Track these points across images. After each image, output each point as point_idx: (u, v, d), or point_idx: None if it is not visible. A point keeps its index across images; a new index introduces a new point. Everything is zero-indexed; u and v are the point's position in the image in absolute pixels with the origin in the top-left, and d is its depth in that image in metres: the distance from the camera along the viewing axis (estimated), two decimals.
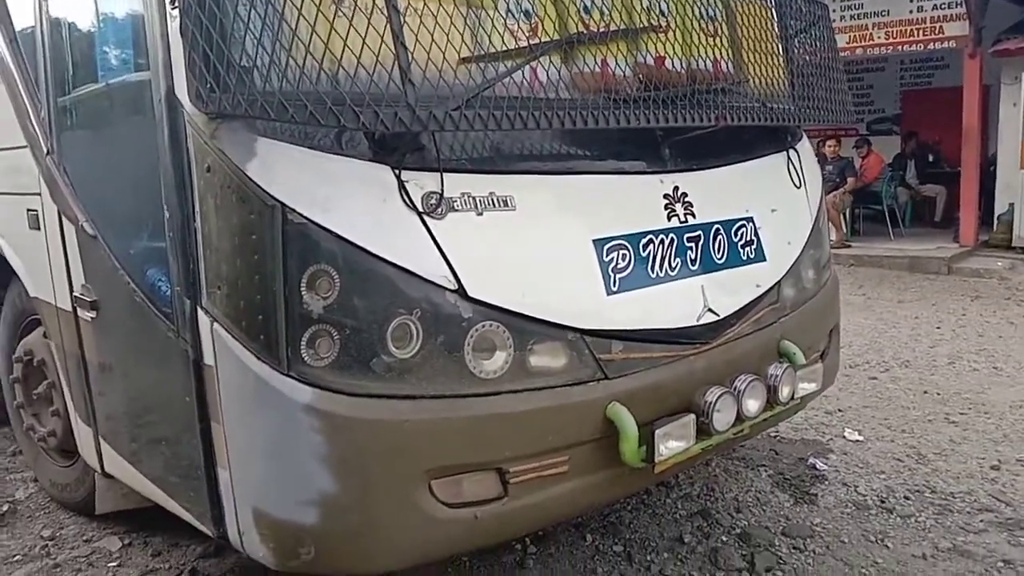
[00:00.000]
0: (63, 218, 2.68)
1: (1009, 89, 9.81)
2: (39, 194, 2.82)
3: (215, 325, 2.03)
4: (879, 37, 10.20)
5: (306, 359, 1.93)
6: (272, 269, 1.92)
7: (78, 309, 2.68)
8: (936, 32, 9.85)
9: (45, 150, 2.75)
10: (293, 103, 1.76)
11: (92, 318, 2.60)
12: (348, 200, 1.97)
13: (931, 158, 11.92)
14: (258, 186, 1.91)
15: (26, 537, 3.25)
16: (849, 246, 10.18)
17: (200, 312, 2.07)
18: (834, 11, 9.79)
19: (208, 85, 1.83)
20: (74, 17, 2.57)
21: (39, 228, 2.87)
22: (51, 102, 2.68)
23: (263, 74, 1.80)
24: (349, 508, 2.01)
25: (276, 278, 1.91)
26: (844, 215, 10.45)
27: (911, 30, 10.01)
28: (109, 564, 3.02)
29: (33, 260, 3.02)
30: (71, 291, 2.71)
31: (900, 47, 10.21)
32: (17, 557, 3.09)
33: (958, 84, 10.04)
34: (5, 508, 3.45)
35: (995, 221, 10.18)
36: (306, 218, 1.91)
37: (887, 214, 10.84)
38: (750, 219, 2.83)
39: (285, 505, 2.03)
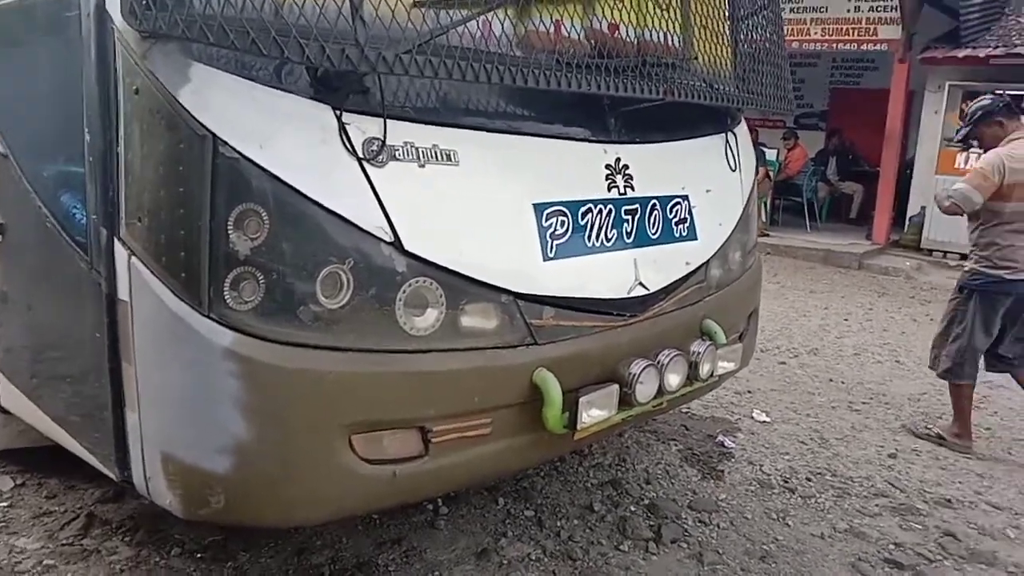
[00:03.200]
0: None
1: (933, 96, 10.17)
2: None
3: (133, 259, 1.91)
4: (815, 33, 10.43)
5: (228, 301, 1.84)
6: (198, 203, 1.82)
7: None
8: (870, 33, 10.12)
9: None
10: (235, 29, 1.66)
11: None
12: (285, 138, 1.88)
13: (852, 156, 12.32)
14: (189, 114, 1.80)
15: None
16: (768, 235, 10.45)
17: (117, 243, 1.95)
18: None
19: (143, 1, 1.70)
20: None
21: None
22: None
23: None
24: (264, 457, 1.94)
25: (202, 213, 1.81)
26: (764, 204, 10.71)
27: (847, 29, 10.26)
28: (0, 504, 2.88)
29: None
30: None
31: (835, 45, 10.46)
32: None
33: (885, 86, 10.37)
34: None
35: (907, 222, 10.60)
36: (239, 152, 1.81)
37: (806, 207, 11.17)
38: (686, 197, 2.85)
39: (196, 451, 1.95)
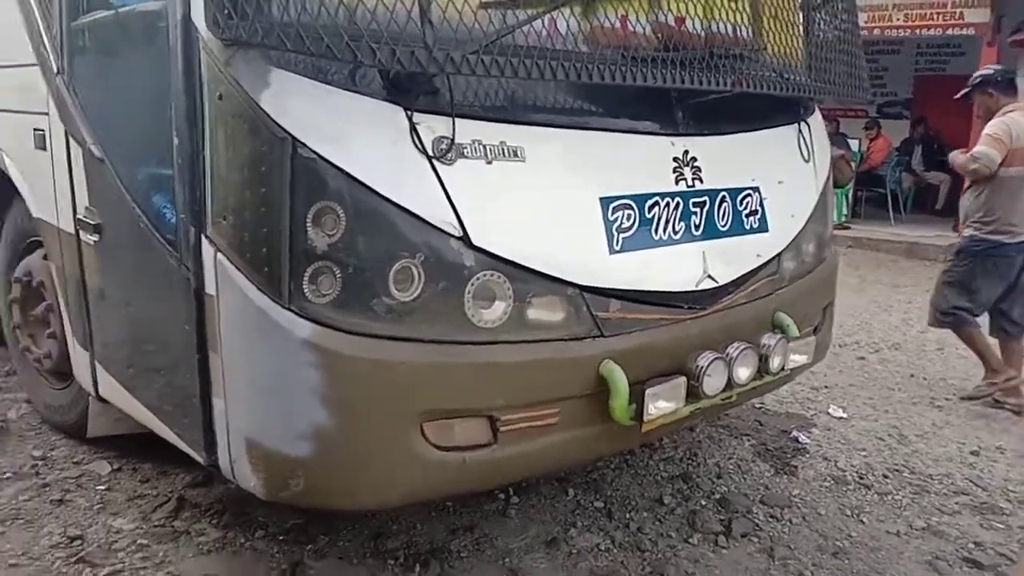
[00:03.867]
0: (70, 139, 2.67)
1: None
2: (47, 114, 2.80)
3: (219, 255, 2.03)
4: (898, 19, 10.11)
5: (307, 294, 1.94)
6: (279, 202, 1.92)
7: (81, 232, 2.68)
8: (956, 17, 9.76)
9: (55, 70, 2.73)
10: (310, 35, 1.74)
11: (94, 242, 2.60)
12: (358, 138, 1.97)
13: (938, 145, 11.87)
14: (269, 117, 1.90)
15: (17, 456, 3.28)
16: (849, 228, 10.19)
17: (204, 241, 2.07)
18: None
19: (225, 11, 1.81)
20: None
21: (45, 148, 2.86)
22: (64, 21, 2.65)
23: (281, 3, 1.78)
24: (341, 443, 2.04)
25: (282, 211, 1.92)
26: (847, 196, 10.44)
27: (931, 14, 9.92)
28: (97, 487, 3.06)
29: (37, 180, 3.01)
30: (74, 213, 2.71)
31: (918, 30, 10.11)
32: (7, 475, 3.12)
33: (973, 72, 9.95)
34: None
35: None
36: (316, 153, 1.91)
37: (890, 198, 10.84)
38: (756, 189, 2.83)
39: (278, 436, 2.06)
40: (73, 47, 2.64)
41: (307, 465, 2.04)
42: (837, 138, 10.43)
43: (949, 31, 9.97)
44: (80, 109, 2.61)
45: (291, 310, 1.94)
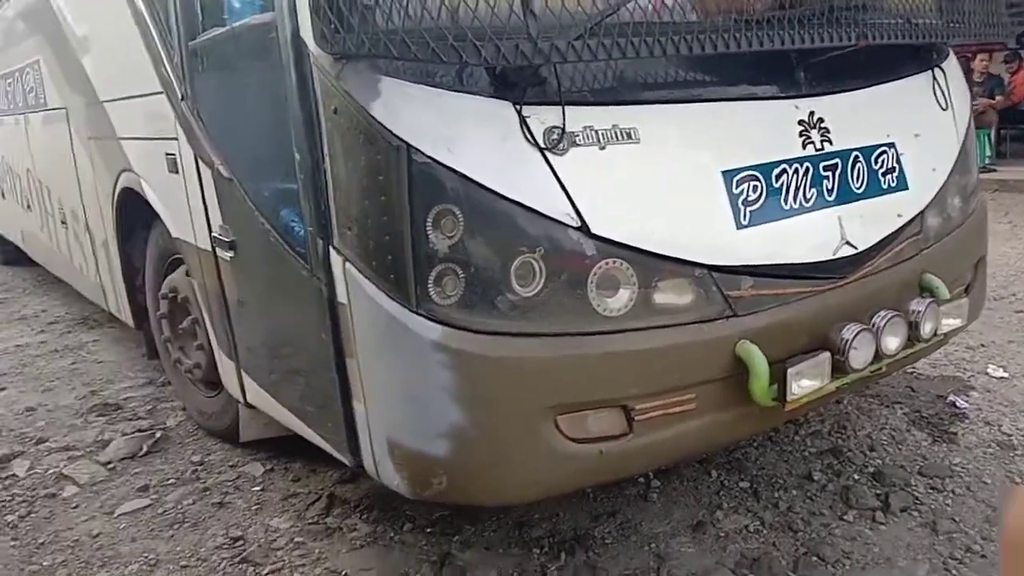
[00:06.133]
0: (199, 162, 2.80)
1: None
2: (176, 139, 2.95)
3: (347, 264, 2.08)
4: None
5: (434, 297, 1.96)
6: (399, 209, 1.94)
7: (217, 249, 2.82)
8: None
9: (180, 95, 2.86)
10: (415, 40, 1.75)
11: (230, 258, 2.72)
12: (470, 138, 1.96)
13: None
14: (383, 126, 1.92)
15: (177, 462, 3.50)
16: (994, 170, 9.46)
17: (332, 252, 2.12)
18: None
19: (332, 25, 1.83)
20: None
21: (177, 172, 3.01)
22: (183, 47, 2.77)
23: (385, 12, 1.79)
24: (478, 441, 2.06)
25: (403, 218, 1.94)
26: (989, 136, 9.68)
27: None
28: (253, 488, 3.23)
29: (173, 202, 3.18)
30: (210, 232, 2.84)
31: None
32: (171, 480, 3.34)
33: None
34: (159, 435, 3.72)
35: None
36: (430, 157, 1.92)
37: None
38: (892, 145, 2.65)
39: (418, 437, 2.10)
40: (193, 70, 2.76)
41: (448, 464, 2.08)
42: (993, 80, 9.72)
43: None
44: (206, 132, 2.74)
45: (419, 313, 1.97)
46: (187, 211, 3.01)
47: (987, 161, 9.59)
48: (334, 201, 2.08)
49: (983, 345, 4.35)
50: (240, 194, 2.56)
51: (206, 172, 2.77)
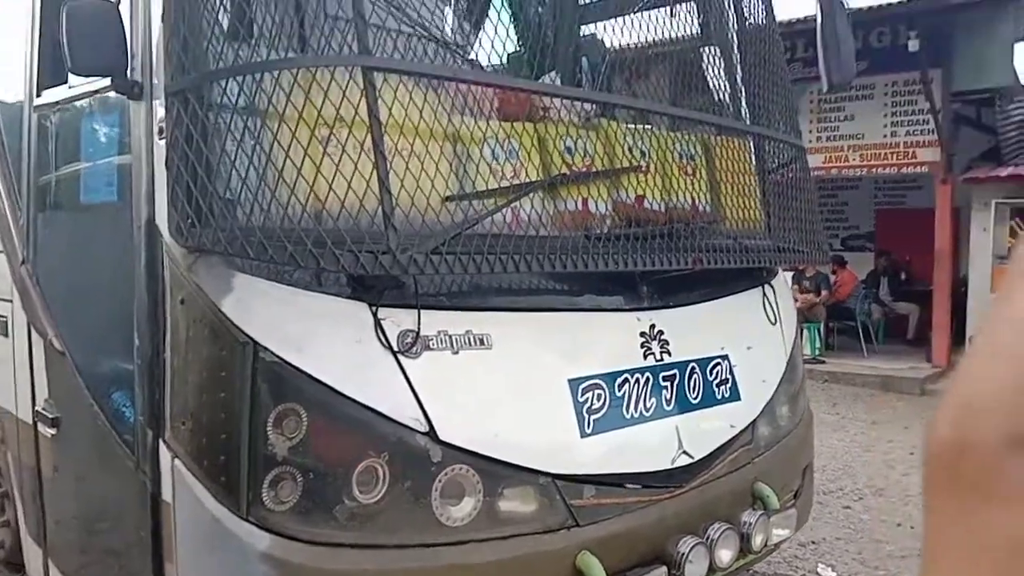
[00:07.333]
0: (32, 330, 2.64)
1: (980, 214, 10.07)
2: (11, 301, 2.79)
3: (176, 461, 1.97)
4: (854, 159, 10.51)
5: (266, 503, 1.86)
6: (239, 408, 1.87)
7: (38, 424, 2.61)
8: (909, 156, 10.16)
9: (20, 258, 2.73)
10: (273, 243, 1.75)
11: (52, 435, 2.52)
12: (323, 339, 1.95)
13: (904, 276, 12.15)
14: (232, 322, 1.88)
15: None
16: (824, 362, 10.23)
17: (162, 445, 2.01)
18: (811, 132, 10.10)
19: (189, 220, 1.83)
20: (64, 134, 2.58)
21: (7, 336, 2.82)
22: (31, 212, 2.67)
23: (245, 212, 1.80)
24: None
25: (242, 418, 1.87)
26: (819, 330, 10.54)
27: (885, 154, 10.32)
28: None
29: None
30: (33, 405, 2.65)
31: (874, 169, 10.52)
32: None
33: (931, 205, 10.30)
34: None
35: (967, 342, 10.29)
36: (278, 357, 1.88)
37: (860, 330, 10.95)
38: (725, 357, 2.83)
39: None
40: (39, 236, 2.65)
41: None
42: (819, 277, 10.68)
43: (904, 170, 10.37)
44: (43, 300, 2.60)
45: (249, 520, 1.86)
46: (12, 378, 2.80)
47: (817, 353, 10.37)
48: (170, 393, 1.99)
49: (813, 542, 4.52)
50: (71, 370, 2.42)
51: (38, 341, 2.61)
